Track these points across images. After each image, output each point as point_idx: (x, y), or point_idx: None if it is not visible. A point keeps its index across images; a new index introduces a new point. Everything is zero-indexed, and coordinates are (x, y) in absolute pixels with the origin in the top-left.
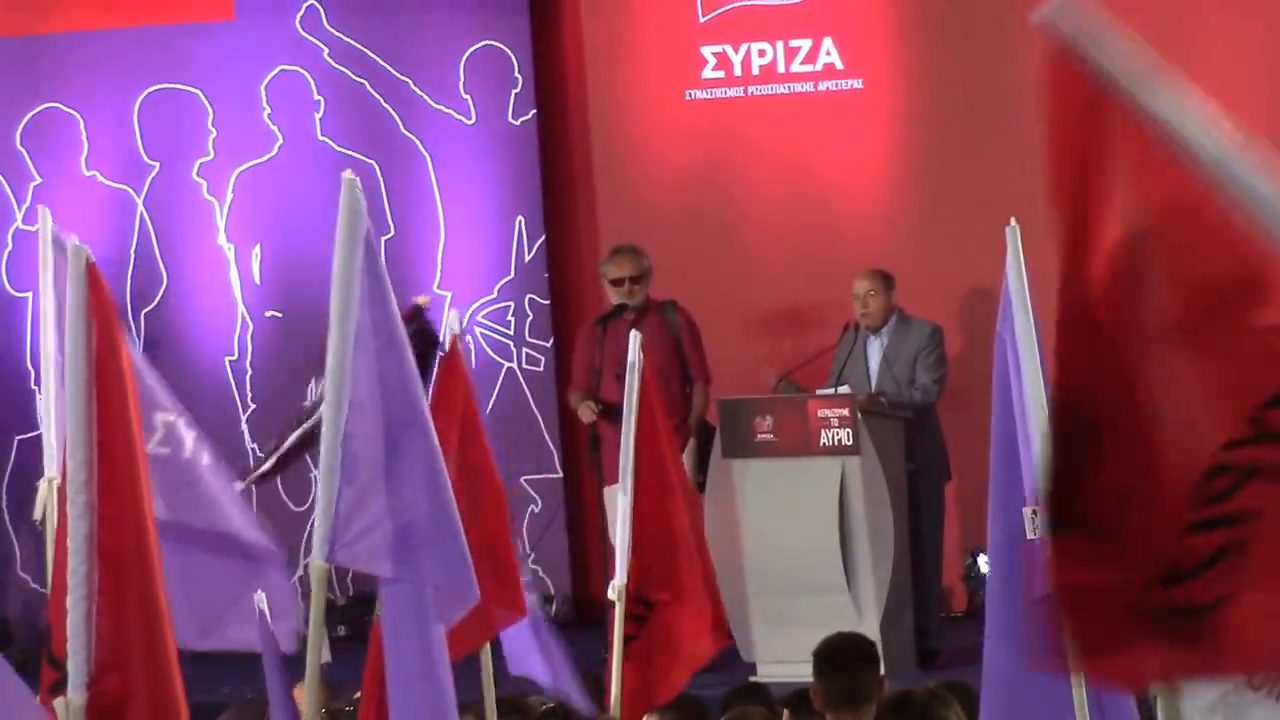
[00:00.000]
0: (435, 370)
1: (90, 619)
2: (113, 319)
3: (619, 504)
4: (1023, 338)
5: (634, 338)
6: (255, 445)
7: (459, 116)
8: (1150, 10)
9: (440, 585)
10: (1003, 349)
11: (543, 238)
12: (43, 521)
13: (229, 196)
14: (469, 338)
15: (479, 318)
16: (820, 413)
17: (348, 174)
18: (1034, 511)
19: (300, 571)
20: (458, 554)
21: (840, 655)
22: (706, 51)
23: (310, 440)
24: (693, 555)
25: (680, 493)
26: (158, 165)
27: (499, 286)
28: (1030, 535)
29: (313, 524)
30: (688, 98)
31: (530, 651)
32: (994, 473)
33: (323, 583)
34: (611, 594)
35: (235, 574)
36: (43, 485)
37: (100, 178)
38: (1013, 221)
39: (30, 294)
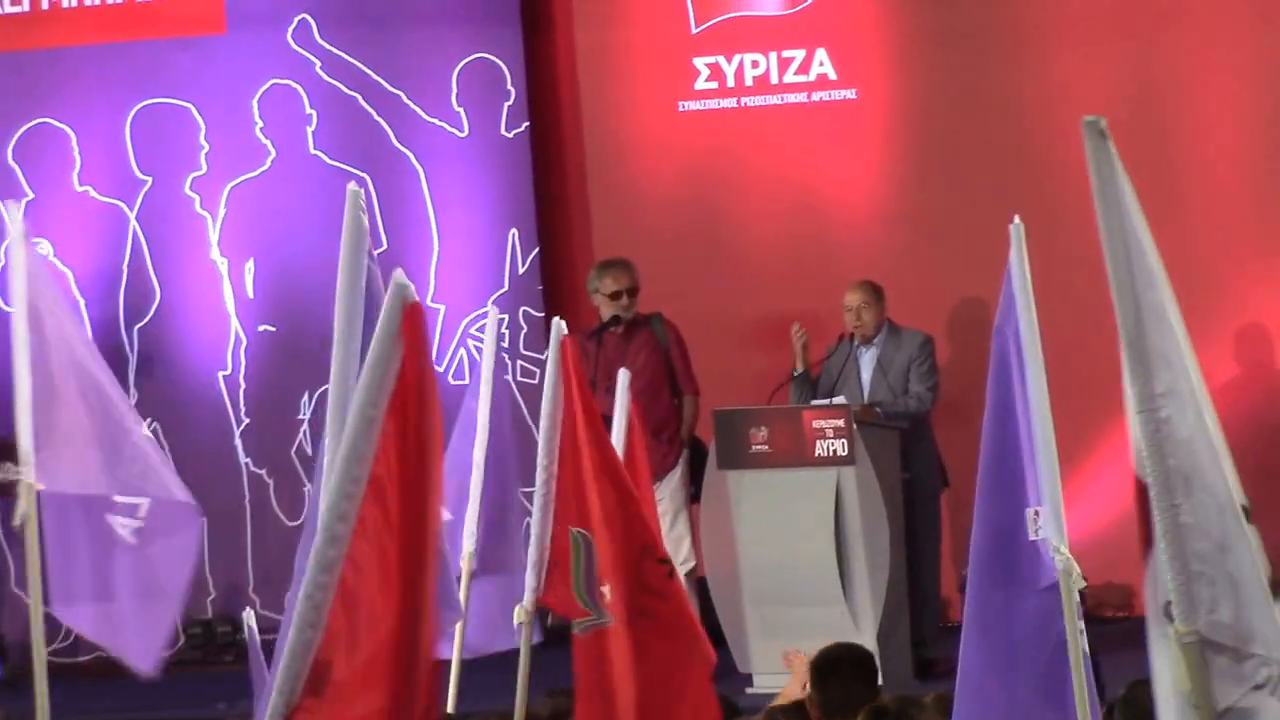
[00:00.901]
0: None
1: (311, 648)
2: (427, 352)
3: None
4: (1027, 336)
5: (623, 375)
6: (249, 460)
7: (451, 129)
8: (1143, 24)
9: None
10: (1002, 343)
11: (536, 250)
12: (23, 529)
13: (221, 211)
14: (462, 351)
15: (473, 330)
16: (815, 423)
17: (352, 185)
18: (1035, 513)
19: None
20: (445, 574)
21: (836, 665)
22: (699, 63)
23: None
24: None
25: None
26: (150, 180)
27: (493, 299)
28: (1031, 536)
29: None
30: (680, 109)
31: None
32: (983, 469)
33: None
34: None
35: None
36: (23, 490)
37: (93, 193)
38: (1016, 219)
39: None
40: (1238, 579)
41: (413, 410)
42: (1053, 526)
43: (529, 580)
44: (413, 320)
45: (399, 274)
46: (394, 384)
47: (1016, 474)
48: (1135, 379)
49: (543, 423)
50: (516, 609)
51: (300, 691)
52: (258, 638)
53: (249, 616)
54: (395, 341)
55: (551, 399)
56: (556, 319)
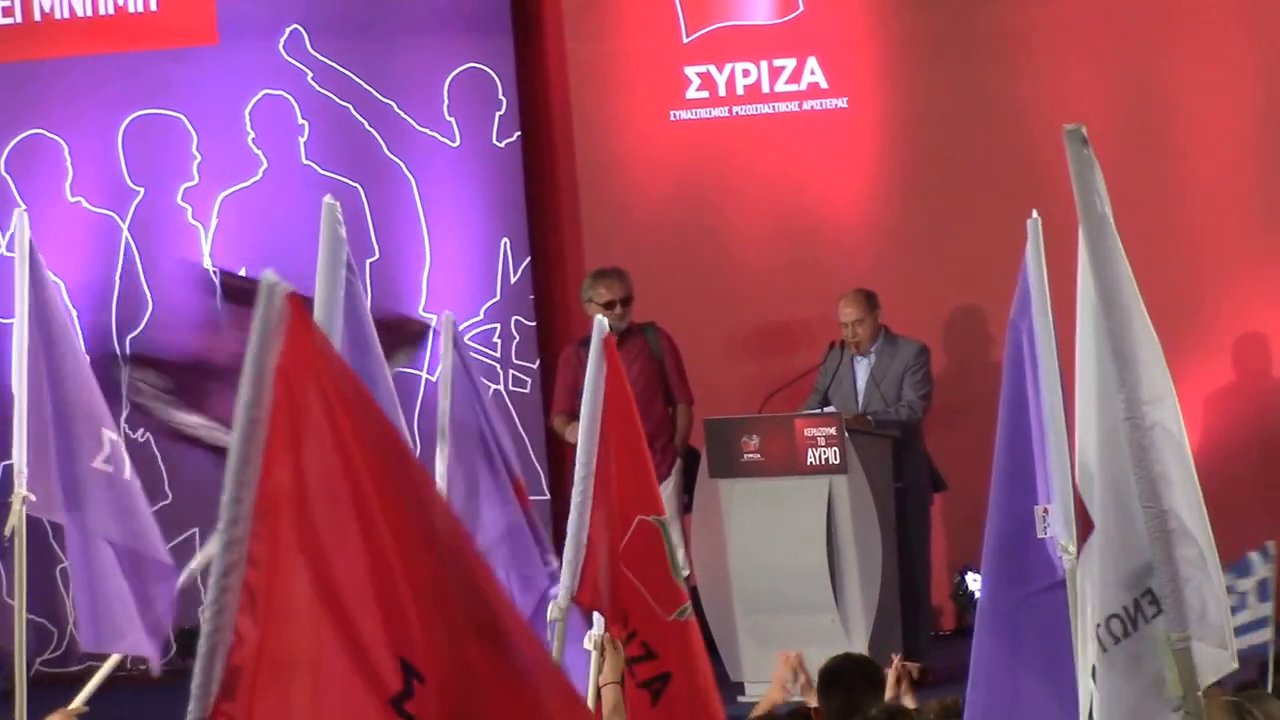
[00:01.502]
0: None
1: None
2: (315, 341)
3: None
4: (1041, 332)
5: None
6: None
7: (443, 139)
8: (1133, 33)
9: None
10: (1015, 338)
11: (528, 259)
12: (11, 539)
13: (214, 221)
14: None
15: (464, 340)
16: (807, 432)
17: (328, 199)
18: (1045, 510)
19: None
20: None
21: (842, 674)
22: (690, 72)
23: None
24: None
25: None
26: (142, 190)
27: (485, 308)
28: (1041, 534)
29: None
30: (672, 118)
31: None
32: (997, 465)
33: None
34: (588, 644)
35: (141, 590)
36: (16, 502)
37: (85, 203)
38: (1034, 214)
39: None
40: (1215, 582)
41: (314, 403)
42: (1061, 525)
43: (564, 578)
44: (295, 311)
45: (267, 273)
46: (273, 381)
47: (1028, 471)
48: (1122, 385)
49: (583, 422)
50: (551, 605)
51: (214, 695)
52: None
53: None
54: (271, 338)
55: (592, 398)
56: (599, 317)
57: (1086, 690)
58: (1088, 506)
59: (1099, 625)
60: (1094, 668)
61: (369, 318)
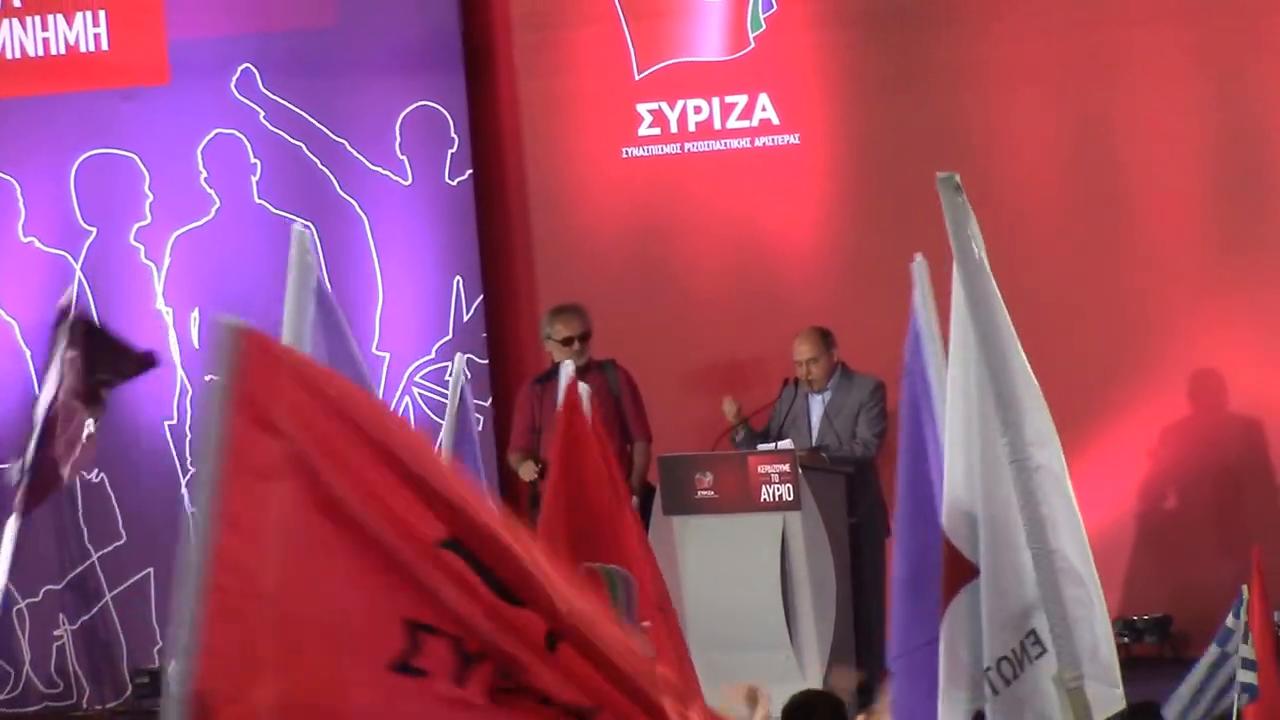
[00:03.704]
0: None
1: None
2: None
3: None
4: (935, 376)
5: (583, 388)
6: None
7: (395, 177)
8: (1093, 76)
9: None
10: (911, 382)
11: (480, 297)
12: None
13: (167, 260)
14: (407, 399)
15: (417, 378)
16: (761, 468)
17: (297, 226)
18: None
19: None
20: None
21: (806, 708)
22: (642, 109)
23: (47, 437)
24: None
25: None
26: (95, 230)
27: (437, 347)
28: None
29: None
30: (624, 155)
31: None
32: (900, 510)
33: None
34: None
35: None
36: None
37: (38, 243)
38: (919, 257)
39: None
40: (1103, 620)
41: (298, 428)
42: None
43: None
44: (258, 347)
45: (218, 316)
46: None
47: (929, 517)
48: (1006, 428)
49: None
50: None
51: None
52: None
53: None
54: (233, 377)
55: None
56: (567, 361)
57: None
58: (959, 549)
59: (989, 669)
60: (978, 713)
61: (354, 346)
